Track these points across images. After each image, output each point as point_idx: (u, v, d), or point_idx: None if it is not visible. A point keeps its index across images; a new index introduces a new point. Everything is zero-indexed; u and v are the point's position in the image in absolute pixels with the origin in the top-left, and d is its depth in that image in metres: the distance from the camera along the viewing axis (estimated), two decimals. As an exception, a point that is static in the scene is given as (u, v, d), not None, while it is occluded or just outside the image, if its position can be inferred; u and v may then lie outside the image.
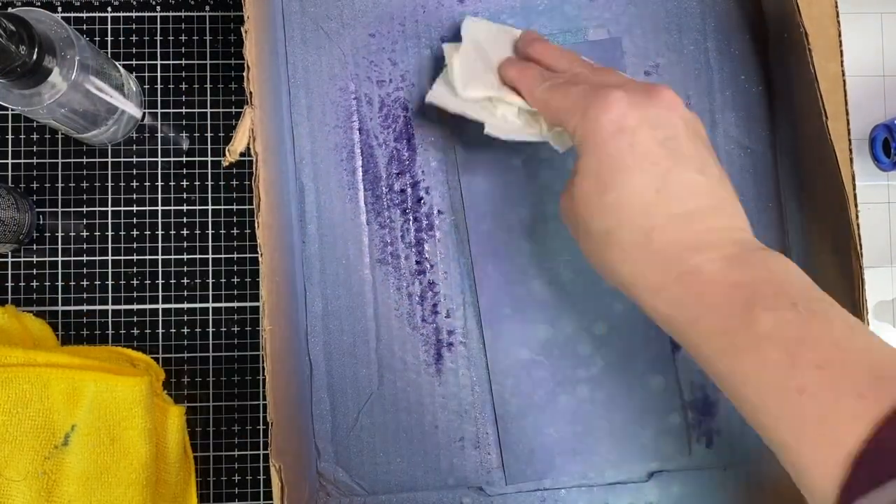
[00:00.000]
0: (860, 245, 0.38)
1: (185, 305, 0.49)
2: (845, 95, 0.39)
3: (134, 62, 0.49)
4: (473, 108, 0.42)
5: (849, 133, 0.39)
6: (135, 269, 0.49)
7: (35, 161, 0.49)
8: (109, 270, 0.49)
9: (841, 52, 0.39)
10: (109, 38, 0.49)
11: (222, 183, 0.49)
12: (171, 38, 0.49)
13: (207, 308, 0.49)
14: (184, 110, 0.49)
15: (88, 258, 0.48)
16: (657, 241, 0.33)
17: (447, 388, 0.47)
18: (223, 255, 0.49)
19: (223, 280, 0.49)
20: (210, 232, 0.49)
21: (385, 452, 0.46)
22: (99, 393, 0.39)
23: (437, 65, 0.47)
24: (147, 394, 0.41)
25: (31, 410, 0.38)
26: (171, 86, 0.49)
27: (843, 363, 0.28)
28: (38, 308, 0.48)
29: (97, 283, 0.48)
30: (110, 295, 0.48)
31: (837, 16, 0.39)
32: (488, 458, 0.46)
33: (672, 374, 0.46)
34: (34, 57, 0.37)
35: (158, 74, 0.49)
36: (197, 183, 0.49)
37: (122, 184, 0.49)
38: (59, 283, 0.48)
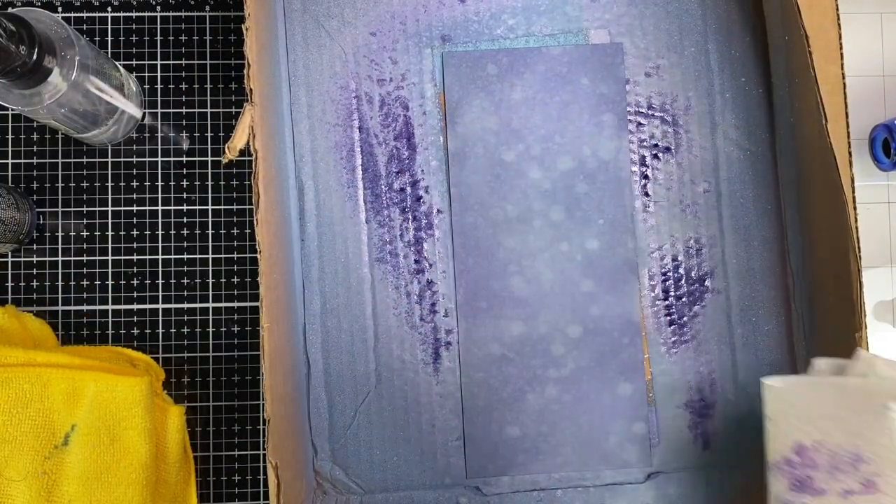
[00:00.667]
0: (859, 248, 0.39)
1: (185, 305, 0.49)
2: (845, 98, 0.39)
3: (134, 62, 0.49)
4: None
5: (848, 136, 0.39)
6: (135, 269, 0.49)
7: (35, 161, 0.49)
8: (109, 270, 0.49)
9: (841, 54, 0.39)
10: (109, 38, 0.49)
11: (222, 183, 0.49)
12: (171, 37, 0.49)
13: (207, 308, 0.49)
14: (184, 110, 0.49)
15: (88, 258, 0.48)
16: None
17: (445, 386, 0.47)
18: (223, 255, 0.49)
19: (223, 280, 0.49)
20: (210, 232, 0.49)
21: (382, 451, 0.46)
22: (99, 393, 0.39)
23: (438, 64, 0.47)
24: (147, 394, 0.41)
25: (31, 410, 0.38)
26: (171, 86, 0.49)
27: None
28: (38, 308, 0.48)
29: (97, 283, 0.48)
30: (110, 295, 0.48)
31: (838, 18, 0.39)
32: (487, 458, 0.47)
33: (641, 383, 0.47)
34: (34, 57, 0.37)
35: (158, 74, 0.49)
36: (197, 183, 0.49)
37: (122, 184, 0.49)
38: (60, 283, 0.48)
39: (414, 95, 0.47)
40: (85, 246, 0.49)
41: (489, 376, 0.47)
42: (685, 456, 0.47)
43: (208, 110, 0.49)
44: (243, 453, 0.48)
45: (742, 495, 0.46)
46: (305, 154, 0.47)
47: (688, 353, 0.47)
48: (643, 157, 0.48)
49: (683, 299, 0.47)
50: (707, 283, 0.47)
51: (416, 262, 0.47)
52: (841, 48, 0.39)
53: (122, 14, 0.49)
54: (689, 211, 0.48)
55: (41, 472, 0.38)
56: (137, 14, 0.49)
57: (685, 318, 0.47)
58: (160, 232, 0.49)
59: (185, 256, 0.49)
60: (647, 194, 0.48)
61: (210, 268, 0.49)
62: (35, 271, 0.48)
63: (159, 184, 0.49)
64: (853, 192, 0.39)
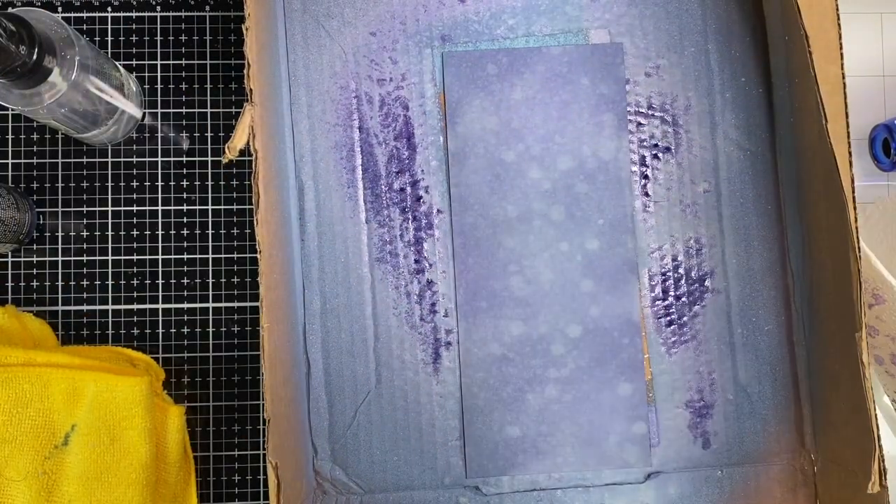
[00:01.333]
0: (859, 248, 0.39)
1: (185, 305, 0.49)
2: (845, 98, 0.39)
3: (134, 62, 0.49)
4: None
5: (848, 136, 0.39)
6: (135, 269, 0.49)
7: (35, 161, 0.49)
8: (109, 270, 0.49)
9: (841, 54, 0.39)
10: (109, 38, 0.49)
11: (222, 183, 0.49)
12: (171, 37, 0.49)
13: (207, 308, 0.49)
14: (184, 110, 0.49)
15: (88, 258, 0.48)
16: None
17: (445, 387, 0.47)
18: (223, 255, 0.49)
19: (223, 280, 0.49)
20: (210, 232, 0.49)
21: (382, 451, 0.46)
22: (99, 393, 0.39)
23: (438, 64, 0.47)
24: (147, 394, 0.41)
25: (31, 410, 0.38)
26: (172, 86, 0.49)
27: None
28: (39, 308, 0.48)
29: (97, 283, 0.48)
30: (110, 295, 0.48)
31: (838, 18, 0.39)
32: (487, 458, 0.47)
33: (641, 383, 0.47)
34: (34, 57, 0.37)
35: (158, 74, 0.49)
36: (197, 183, 0.49)
37: (122, 184, 0.49)
38: (60, 283, 0.48)
39: (414, 95, 0.47)
40: (85, 246, 0.49)
41: (489, 376, 0.47)
42: (685, 456, 0.47)
43: (208, 110, 0.49)
44: (243, 453, 0.48)
45: (741, 495, 0.46)
46: (305, 154, 0.47)
47: (688, 353, 0.47)
48: (643, 157, 0.48)
49: (683, 299, 0.47)
50: (707, 283, 0.47)
51: (416, 262, 0.47)
52: (841, 48, 0.39)
53: (122, 14, 0.49)
54: (689, 211, 0.48)
55: (41, 472, 0.38)
56: (137, 14, 0.49)
57: (685, 318, 0.47)
58: (160, 232, 0.49)
59: (185, 256, 0.49)
60: (647, 194, 0.48)
61: (210, 268, 0.49)
62: (35, 271, 0.48)
63: (159, 184, 0.49)
64: (853, 191, 0.39)
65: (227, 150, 0.37)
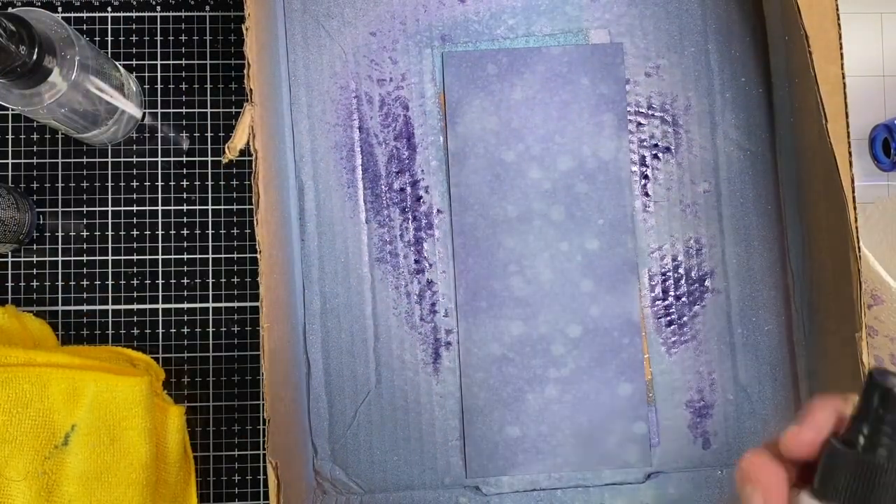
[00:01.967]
0: (858, 247, 0.39)
1: (185, 305, 0.49)
2: (845, 98, 0.39)
3: (134, 62, 0.49)
4: None
5: (848, 135, 0.39)
6: (135, 269, 0.49)
7: (35, 161, 0.49)
8: (109, 270, 0.49)
9: (841, 54, 0.39)
10: (109, 38, 0.49)
11: (222, 183, 0.49)
12: (171, 37, 0.49)
13: (207, 308, 0.49)
14: (184, 110, 0.49)
15: (88, 258, 0.48)
16: None
17: (445, 387, 0.47)
18: (223, 255, 0.49)
19: (223, 280, 0.49)
20: (210, 232, 0.49)
21: (382, 451, 0.46)
22: (99, 393, 0.39)
23: (437, 64, 0.47)
24: (147, 394, 0.41)
25: (31, 410, 0.38)
26: (172, 86, 0.49)
27: None
28: (39, 308, 0.48)
29: (97, 282, 0.48)
30: (110, 295, 0.48)
31: (838, 18, 0.39)
32: (487, 458, 0.46)
33: (641, 383, 0.47)
34: (34, 57, 0.37)
35: (158, 74, 0.49)
36: (197, 183, 0.49)
37: (122, 184, 0.49)
38: (60, 283, 0.48)
39: (414, 95, 0.47)
40: (85, 246, 0.49)
41: (489, 376, 0.46)
42: (685, 456, 0.47)
43: (208, 110, 0.49)
44: (243, 453, 0.48)
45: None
46: (305, 154, 0.47)
47: (688, 353, 0.47)
48: (643, 157, 0.48)
49: (683, 299, 0.47)
50: (707, 283, 0.47)
51: (416, 262, 0.47)
52: (841, 48, 0.39)
53: (122, 14, 0.49)
54: (689, 211, 0.48)
55: (41, 472, 0.38)
56: (137, 14, 0.49)
57: (685, 318, 0.47)
58: (160, 232, 0.49)
59: (185, 256, 0.49)
60: (647, 194, 0.48)
61: (210, 268, 0.49)
62: (35, 271, 0.48)
63: (159, 184, 0.49)
64: (853, 191, 0.39)
65: (227, 150, 0.37)
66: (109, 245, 0.49)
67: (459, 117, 0.47)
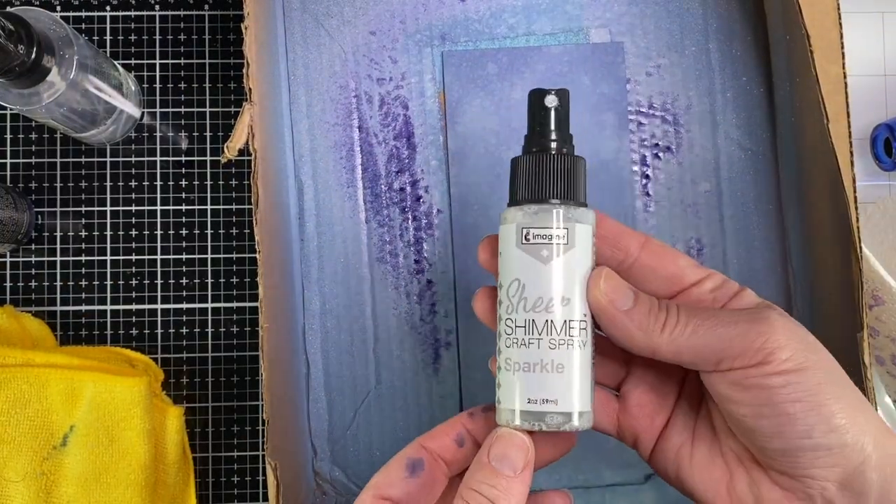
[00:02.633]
0: (860, 248, 0.38)
1: (185, 305, 0.49)
2: (846, 97, 0.39)
3: (133, 61, 0.49)
4: None
5: (850, 135, 0.39)
6: (134, 269, 0.48)
7: (34, 160, 0.48)
8: (108, 270, 0.48)
9: (843, 53, 0.39)
10: (108, 37, 0.49)
11: (221, 182, 0.49)
12: (170, 37, 0.49)
13: (207, 308, 0.49)
14: (183, 110, 0.49)
15: (87, 258, 0.48)
16: None
17: (445, 387, 0.47)
18: (222, 255, 0.49)
19: (222, 280, 0.49)
20: (209, 232, 0.49)
21: (382, 452, 0.46)
22: (98, 393, 0.39)
23: (437, 63, 0.47)
24: (146, 394, 0.41)
25: (29, 411, 0.38)
26: (171, 85, 0.49)
27: None
28: (37, 308, 0.48)
29: (96, 283, 0.48)
30: (109, 295, 0.48)
31: (839, 18, 0.39)
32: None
33: None
34: (33, 56, 0.37)
35: (157, 74, 0.49)
36: (196, 182, 0.49)
37: (120, 183, 0.49)
38: (58, 283, 0.48)
39: (414, 95, 0.47)
40: (83, 246, 0.48)
41: (489, 376, 0.46)
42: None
43: (207, 110, 0.49)
44: (243, 454, 0.48)
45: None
46: (305, 153, 0.47)
47: (688, 353, 0.47)
48: (644, 157, 0.48)
49: (684, 299, 0.47)
50: (708, 283, 0.47)
51: (416, 262, 0.47)
52: (842, 48, 0.39)
53: (120, 13, 0.49)
54: (690, 211, 0.47)
55: (39, 472, 0.38)
56: (136, 13, 0.49)
57: (686, 319, 0.47)
58: (159, 232, 0.49)
59: (185, 256, 0.49)
60: (647, 194, 0.47)
61: (209, 268, 0.49)
62: (33, 271, 0.48)
63: (158, 183, 0.49)
64: (854, 191, 0.39)
65: (226, 149, 0.37)
66: (108, 245, 0.49)
67: (459, 117, 0.47)
